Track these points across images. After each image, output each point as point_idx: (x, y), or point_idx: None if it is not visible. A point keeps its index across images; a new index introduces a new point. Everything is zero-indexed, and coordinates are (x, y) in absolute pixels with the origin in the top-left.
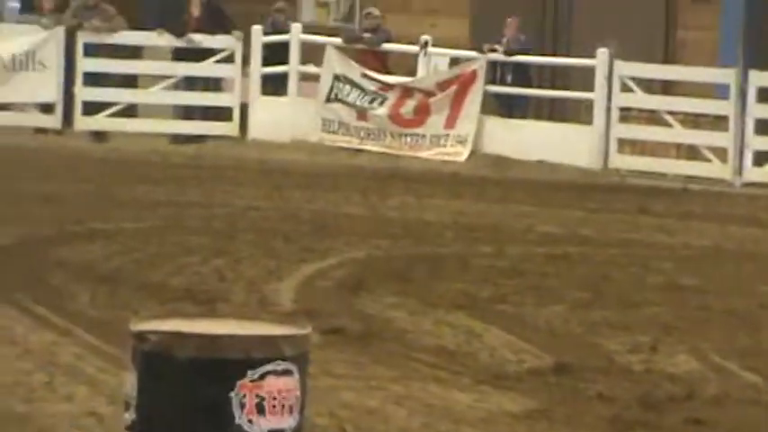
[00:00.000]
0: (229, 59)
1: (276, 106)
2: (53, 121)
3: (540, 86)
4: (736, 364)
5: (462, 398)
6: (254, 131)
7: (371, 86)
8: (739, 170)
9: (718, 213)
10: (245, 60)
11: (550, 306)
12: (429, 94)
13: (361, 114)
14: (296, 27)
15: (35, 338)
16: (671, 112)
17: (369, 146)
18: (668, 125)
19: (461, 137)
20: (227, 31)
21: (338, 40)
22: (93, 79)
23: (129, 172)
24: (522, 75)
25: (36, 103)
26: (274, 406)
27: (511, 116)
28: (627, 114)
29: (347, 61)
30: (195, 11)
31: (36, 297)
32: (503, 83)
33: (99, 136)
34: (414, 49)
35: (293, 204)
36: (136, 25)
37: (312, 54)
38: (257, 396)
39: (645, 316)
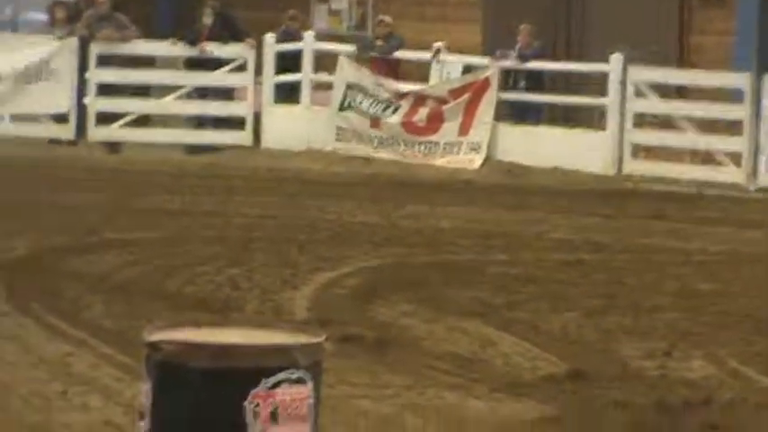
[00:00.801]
0: (242, 68)
1: (289, 115)
2: (66, 131)
3: (553, 92)
4: (752, 369)
5: (477, 405)
6: (268, 140)
7: (385, 94)
8: (754, 174)
9: (734, 218)
10: (258, 69)
11: (565, 313)
12: (442, 101)
13: (375, 122)
14: (308, 35)
15: (50, 348)
16: (685, 117)
17: (382, 154)
18: (683, 130)
19: (475, 144)
20: (239, 41)
21: (351, 48)
22: (106, 90)
23: (143, 182)
24: (536, 81)
25: (49, 113)
26: (288, 414)
27: (524, 123)
28: (641, 120)
29: (360, 69)
30: (207, 20)
31: (51, 307)
32: (516, 89)
33: (112, 146)
34: (426, 56)
35: (307, 213)
36: (149, 35)
37: (325, 62)
38: (271, 405)
39: (660, 322)
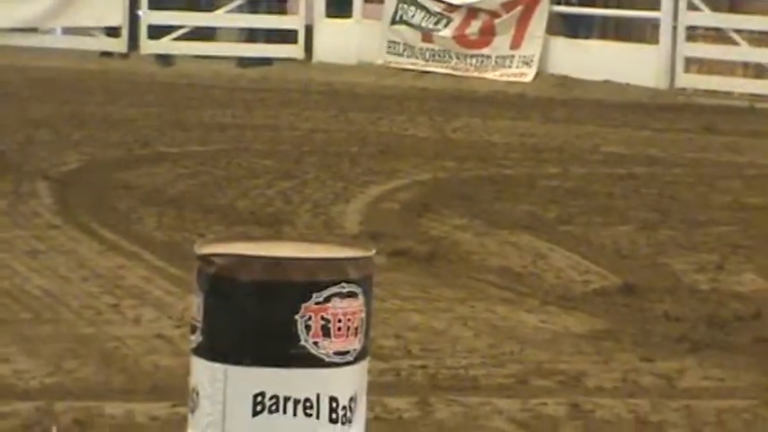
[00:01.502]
0: None
1: (341, 28)
2: (119, 44)
3: (606, 6)
4: None
5: (529, 319)
6: (320, 54)
7: (436, 8)
8: None
9: None
10: None
11: (617, 226)
12: (494, 14)
13: (427, 36)
14: None
15: (102, 262)
16: (738, 31)
17: (434, 67)
18: (735, 43)
19: (527, 57)
20: None
21: None
22: (159, 2)
23: (195, 95)
24: None
25: (102, 26)
26: (339, 328)
27: (576, 36)
28: (693, 33)
29: None
30: None
31: (103, 220)
32: (568, 3)
33: (165, 59)
34: None
35: (359, 127)
36: None
37: None
38: (322, 318)
39: (711, 235)
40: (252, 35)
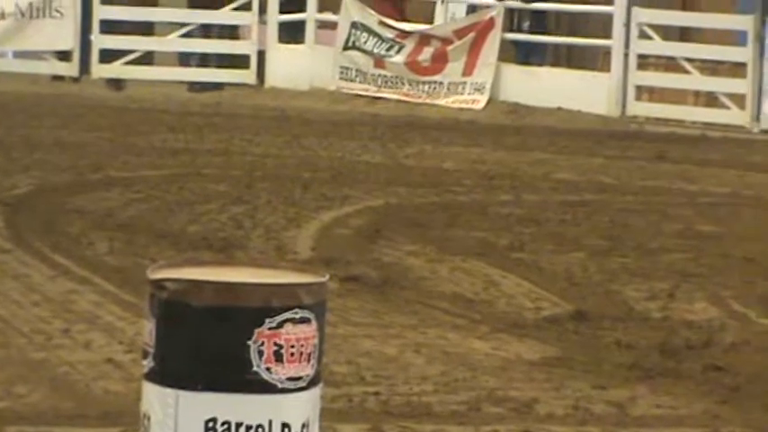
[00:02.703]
0: (246, 7)
1: (294, 54)
2: (70, 68)
3: (558, 34)
4: (754, 312)
5: (480, 345)
6: (272, 79)
7: (389, 34)
8: (757, 117)
9: (737, 160)
10: (263, 8)
11: (569, 253)
12: (447, 41)
13: (379, 62)
14: None
15: (53, 286)
16: (689, 59)
17: (386, 93)
18: (686, 72)
19: (479, 84)
20: None
21: None
22: (110, 27)
23: (146, 120)
24: (540, 22)
25: (53, 50)
26: (293, 354)
27: (528, 63)
28: (645, 61)
29: (364, 9)
30: None
31: (54, 245)
32: (520, 30)
33: (116, 84)
34: None
35: (311, 152)
36: None
37: (329, 1)
38: (275, 344)
39: (663, 263)
40: (204, 60)
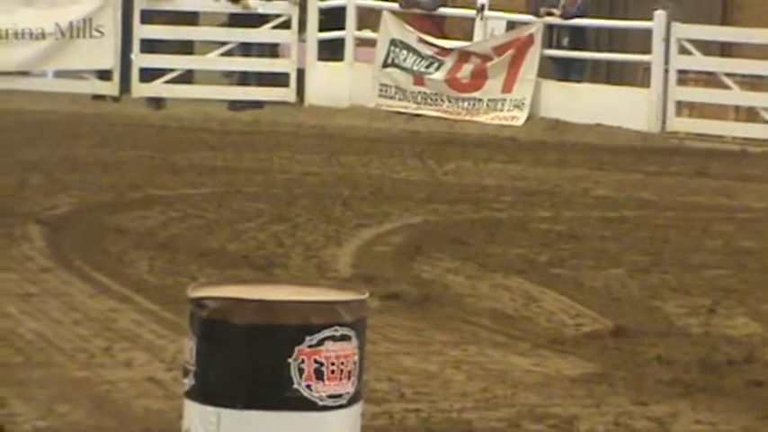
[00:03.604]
0: (286, 25)
1: (333, 72)
2: (110, 87)
3: (597, 50)
4: None
5: (521, 362)
6: (311, 97)
7: (428, 51)
8: None
9: None
10: (302, 26)
11: (609, 270)
12: (486, 58)
13: (418, 79)
14: None
15: (94, 305)
16: (729, 75)
17: (426, 111)
18: (726, 87)
19: (518, 101)
20: None
21: (395, 5)
22: (151, 46)
23: (186, 138)
24: (580, 38)
25: (94, 69)
26: (333, 371)
27: (568, 80)
28: (685, 77)
29: (403, 26)
30: None
31: (95, 264)
32: (560, 47)
33: (156, 102)
34: (471, 13)
35: (351, 170)
36: None
37: (368, 19)
38: (315, 362)
39: (704, 279)
40: (243, 78)
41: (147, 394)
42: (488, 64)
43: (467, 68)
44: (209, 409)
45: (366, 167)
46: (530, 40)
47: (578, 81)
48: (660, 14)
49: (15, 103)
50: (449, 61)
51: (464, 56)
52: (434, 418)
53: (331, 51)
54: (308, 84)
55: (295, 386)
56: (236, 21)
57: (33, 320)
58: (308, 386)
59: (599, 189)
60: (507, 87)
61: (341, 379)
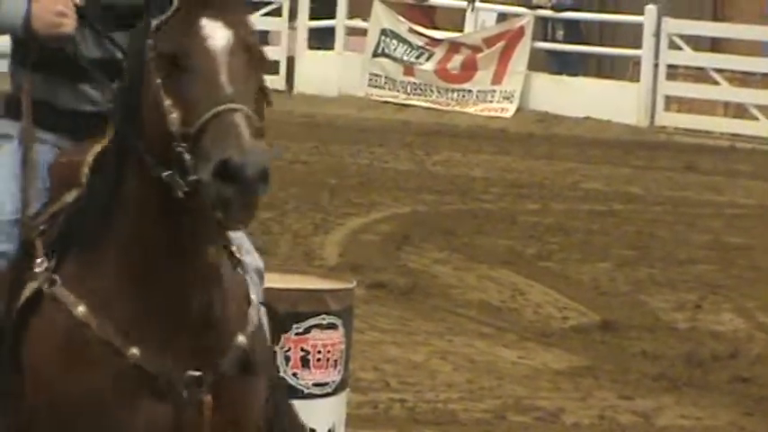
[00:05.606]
0: (276, 13)
1: (323, 60)
2: None
3: (587, 43)
4: None
5: (507, 354)
6: (301, 85)
7: (418, 41)
8: None
9: (765, 171)
10: (293, 14)
11: (596, 263)
12: (476, 49)
13: (408, 69)
14: None
15: None
16: (718, 70)
17: (415, 101)
18: (716, 83)
19: (508, 93)
20: None
21: None
22: None
23: None
24: (574, 31)
25: None
26: (319, 360)
27: (563, 72)
28: (674, 72)
29: (394, 16)
30: None
31: None
32: (554, 39)
33: None
34: (461, 4)
35: (339, 159)
36: None
37: (359, 8)
38: (302, 350)
39: (691, 274)
40: None
41: None
42: (479, 55)
43: (457, 59)
44: None
45: (355, 157)
46: (520, 32)
47: (575, 74)
48: (651, 9)
49: None
50: (439, 52)
51: (454, 47)
52: (420, 408)
53: (321, 40)
54: (298, 72)
55: (282, 374)
56: None
57: None
58: (294, 374)
59: (587, 182)
60: (497, 79)
61: (327, 367)
